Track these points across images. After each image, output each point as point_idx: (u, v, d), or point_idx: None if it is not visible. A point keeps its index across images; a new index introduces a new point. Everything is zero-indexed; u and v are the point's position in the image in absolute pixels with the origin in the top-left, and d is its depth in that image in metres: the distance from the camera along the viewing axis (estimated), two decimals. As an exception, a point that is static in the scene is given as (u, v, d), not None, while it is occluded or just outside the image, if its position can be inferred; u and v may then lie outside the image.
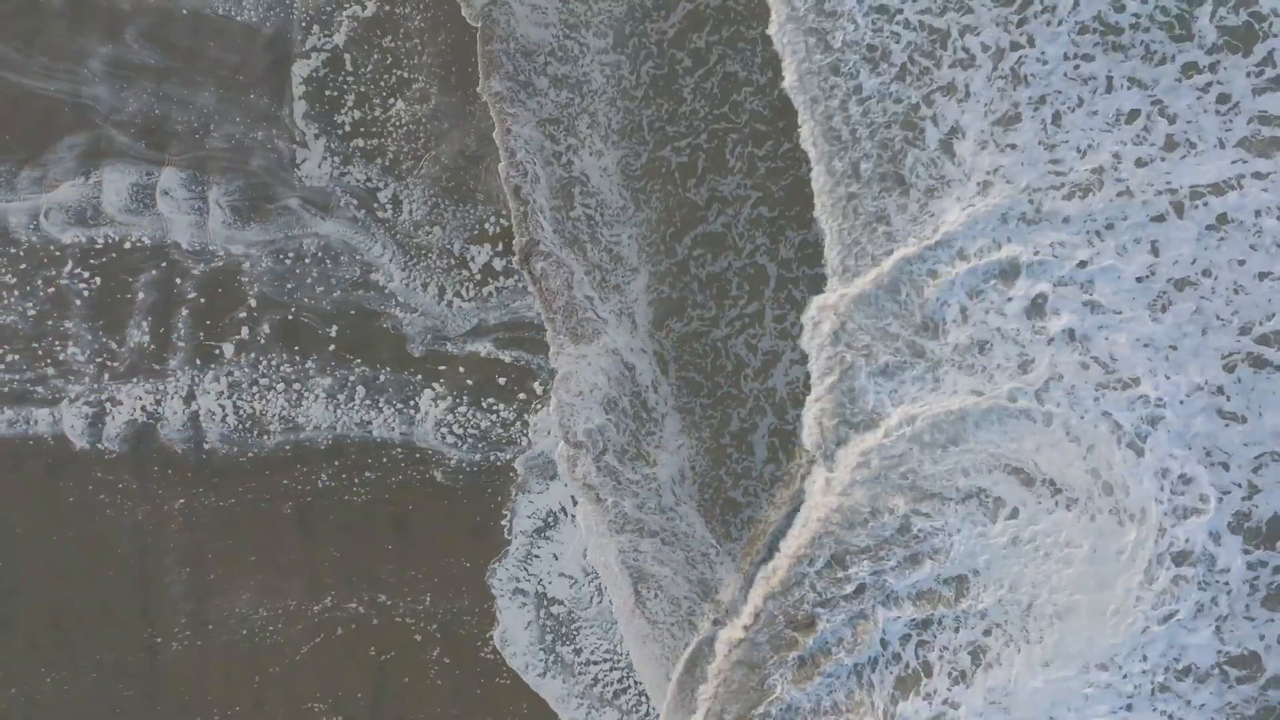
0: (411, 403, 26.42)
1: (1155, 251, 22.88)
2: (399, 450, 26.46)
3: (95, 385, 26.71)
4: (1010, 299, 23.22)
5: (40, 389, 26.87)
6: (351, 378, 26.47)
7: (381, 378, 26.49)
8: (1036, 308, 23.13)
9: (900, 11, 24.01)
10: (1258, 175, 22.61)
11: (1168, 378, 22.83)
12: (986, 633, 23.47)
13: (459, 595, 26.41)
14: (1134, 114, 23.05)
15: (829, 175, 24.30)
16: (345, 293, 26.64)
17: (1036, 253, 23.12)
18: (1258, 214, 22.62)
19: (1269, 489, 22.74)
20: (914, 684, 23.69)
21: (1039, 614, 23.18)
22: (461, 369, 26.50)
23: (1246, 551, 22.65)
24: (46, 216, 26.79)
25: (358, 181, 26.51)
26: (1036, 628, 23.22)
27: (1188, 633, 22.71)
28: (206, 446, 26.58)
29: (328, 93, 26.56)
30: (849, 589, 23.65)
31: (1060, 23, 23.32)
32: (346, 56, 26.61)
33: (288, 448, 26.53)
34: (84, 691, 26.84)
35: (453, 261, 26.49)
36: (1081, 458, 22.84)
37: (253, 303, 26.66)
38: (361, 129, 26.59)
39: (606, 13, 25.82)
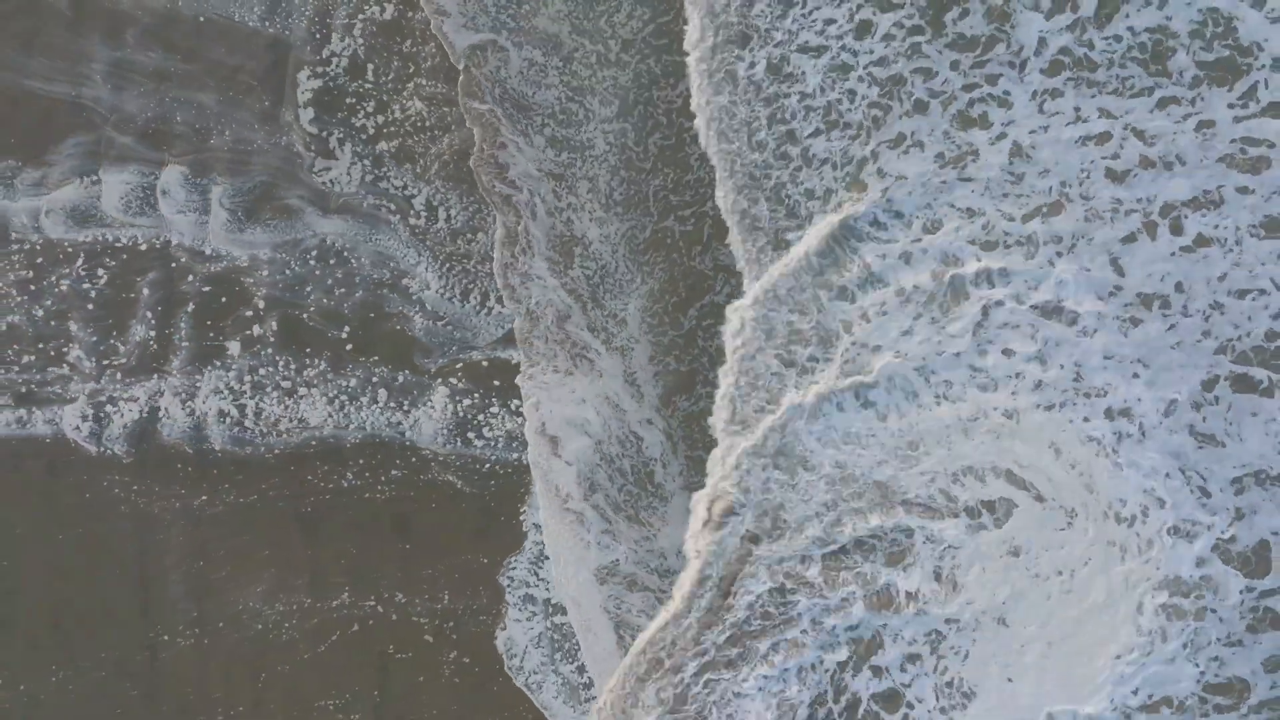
0: (431, 403, 26.71)
1: (1121, 270, 22.66)
2: (427, 451, 26.68)
3: (98, 385, 26.83)
4: (952, 326, 23.05)
5: (52, 389, 26.97)
6: (374, 379, 26.72)
7: (401, 379, 26.76)
8: (984, 330, 22.91)
9: (853, 69, 23.71)
10: (1242, 190, 22.40)
11: (1140, 399, 22.69)
12: (947, 621, 23.47)
13: (476, 593, 26.69)
14: (1105, 136, 22.79)
15: (770, 249, 24.10)
16: (368, 293, 26.79)
17: (987, 275, 22.95)
18: (1237, 229, 22.41)
19: (1252, 513, 22.42)
20: (867, 655, 23.65)
21: (1014, 626, 23.10)
22: (486, 368, 26.77)
23: (1233, 577, 22.26)
24: (48, 217, 26.83)
25: (395, 188, 26.68)
26: (1004, 641, 23.10)
27: (1167, 662, 22.42)
28: (216, 447, 26.81)
29: (348, 100, 26.68)
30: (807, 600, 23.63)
31: (1025, 64, 22.98)
32: (369, 66, 26.67)
33: (314, 443, 26.70)
34: (86, 691, 27.02)
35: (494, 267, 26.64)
36: (1065, 470, 22.88)
37: (261, 304, 26.84)
38: (386, 132, 26.73)
39: (612, 80, 25.55)
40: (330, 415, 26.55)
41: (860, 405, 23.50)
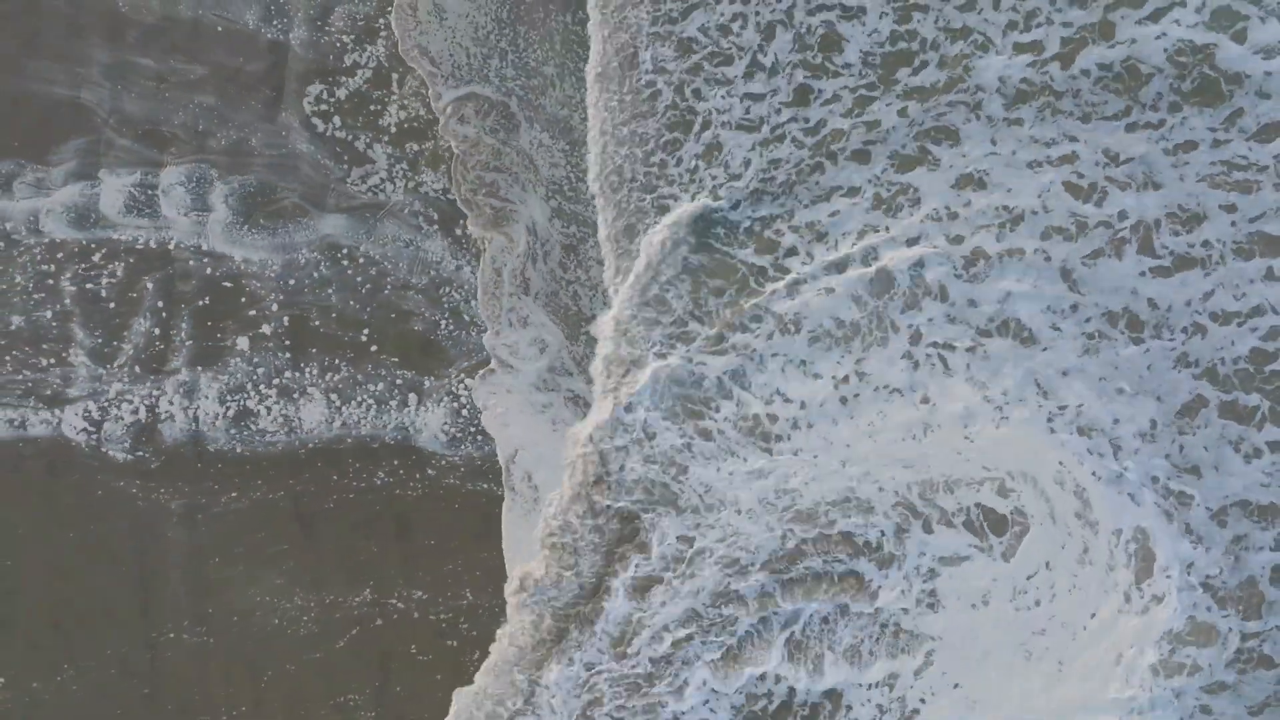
0: (459, 404, 26.83)
1: (1077, 286, 22.10)
2: (456, 456, 26.79)
3: (100, 386, 26.88)
4: (877, 352, 22.66)
5: (56, 389, 26.98)
6: (399, 382, 26.83)
7: (427, 383, 26.90)
8: (917, 349, 22.44)
9: (782, 141, 23.27)
10: (1228, 208, 21.83)
11: (1117, 421, 22.01)
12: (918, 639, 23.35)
13: (499, 590, 26.50)
14: (1071, 156, 22.23)
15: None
16: (394, 295, 26.85)
17: (919, 292, 22.56)
18: (1223, 245, 21.88)
19: (1238, 547, 21.69)
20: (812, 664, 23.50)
21: (991, 661, 22.73)
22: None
23: (1220, 618, 21.64)
24: (49, 217, 26.83)
25: (435, 192, 26.80)
26: (979, 673, 22.79)
27: (1150, 709, 21.86)
28: (240, 449, 26.85)
29: (372, 107, 26.83)
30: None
31: (980, 104, 22.41)
32: (393, 76, 26.80)
33: (348, 440, 26.74)
34: (88, 691, 26.95)
35: None
36: (1052, 493, 22.33)
37: (274, 305, 26.93)
38: (414, 133, 26.82)
39: None
40: (361, 417, 26.69)
41: (757, 442, 22.89)
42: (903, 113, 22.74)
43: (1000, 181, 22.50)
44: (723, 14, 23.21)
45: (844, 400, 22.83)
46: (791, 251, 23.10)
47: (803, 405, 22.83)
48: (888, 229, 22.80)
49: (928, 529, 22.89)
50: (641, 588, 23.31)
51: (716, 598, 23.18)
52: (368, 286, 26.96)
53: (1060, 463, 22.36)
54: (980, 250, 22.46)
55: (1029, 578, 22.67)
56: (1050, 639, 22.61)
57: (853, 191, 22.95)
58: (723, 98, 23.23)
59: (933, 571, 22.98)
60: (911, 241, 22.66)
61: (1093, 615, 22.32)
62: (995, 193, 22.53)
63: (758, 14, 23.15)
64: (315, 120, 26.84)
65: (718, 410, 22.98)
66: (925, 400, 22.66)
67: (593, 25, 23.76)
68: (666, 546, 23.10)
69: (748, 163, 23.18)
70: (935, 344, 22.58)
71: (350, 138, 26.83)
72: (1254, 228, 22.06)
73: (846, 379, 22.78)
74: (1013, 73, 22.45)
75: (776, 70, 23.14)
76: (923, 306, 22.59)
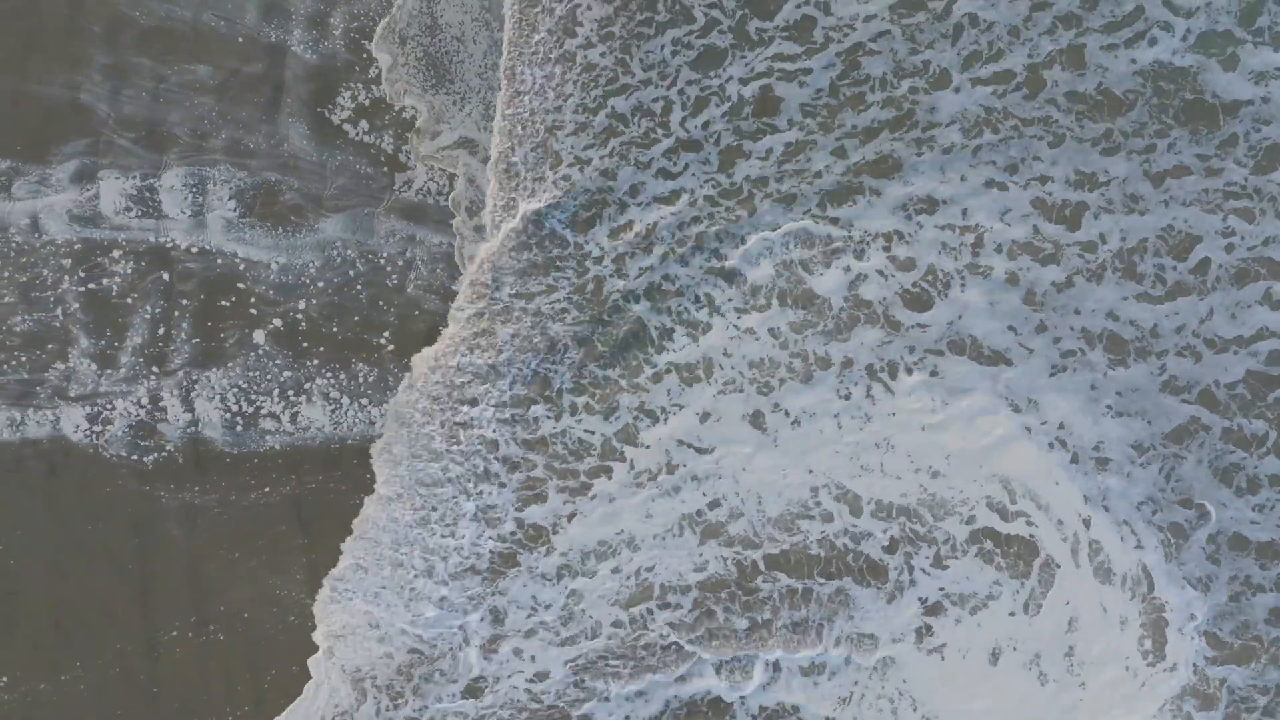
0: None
1: (1043, 310, 21.46)
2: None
3: (102, 387, 26.87)
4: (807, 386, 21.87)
5: (61, 389, 27.01)
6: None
7: None
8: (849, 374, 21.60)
9: (695, 203, 22.39)
10: (1224, 233, 21.21)
11: (1100, 443, 21.38)
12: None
13: None
14: (1042, 178, 21.40)
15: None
16: (418, 295, 26.92)
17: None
18: (1219, 268, 21.24)
19: (1232, 587, 21.13)
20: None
21: (974, 701, 22.05)
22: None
23: (1220, 672, 21.20)
24: (49, 218, 26.80)
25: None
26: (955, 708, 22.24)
27: None
28: (270, 447, 26.87)
29: (397, 109, 26.80)
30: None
31: (931, 143, 21.56)
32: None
33: (355, 439, 26.83)
34: (90, 692, 26.99)
35: None
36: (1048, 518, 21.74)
37: (279, 306, 26.99)
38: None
39: None
40: (372, 417, 26.81)
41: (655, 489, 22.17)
42: (839, 152, 21.70)
43: (953, 199, 21.60)
44: (641, 99, 22.01)
45: (763, 445, 22.06)
46: (697, 300, 22.24)
47: (711, 450, 22.02)
48: (820, 260, 21.93)
49: (939, 564, 22.00)
50: (492, 648, 22.59)
51: (631, 629, 22.38)
52: (394, 279, 27.03)
53: (1055, 480, 21.88)
54: (933, 269, 21.61)
55: (1047, 638, 21.85)
56: (1052, 696, 22.00)
57: (773, 227, 21.93)
58: (638, 173, 22.18)
59: (938, 606, 22.15)
60: (848, 269, 21.81)
61: (1104, 685, 21.70)
62: (950, 210, 21.64)
63: (684, 93, 21.98)
64: (345, 126, 26.92)
65: (610, 478, 22.09)
66: (869, 418, 21.91)
67: (499, 119, 22.76)
68: (535, 614, 22.25)
69: (654, 224, 22.18)
70: (871, 368, 21.72)
71: (378, 140, 26.90)
72: (1253, 254, 21.36)
73: (761, 416, 21.82)
74: (971, 105, 21.48)
75: (701, 145, 22.04)
76: (854, 334, 21.76)
